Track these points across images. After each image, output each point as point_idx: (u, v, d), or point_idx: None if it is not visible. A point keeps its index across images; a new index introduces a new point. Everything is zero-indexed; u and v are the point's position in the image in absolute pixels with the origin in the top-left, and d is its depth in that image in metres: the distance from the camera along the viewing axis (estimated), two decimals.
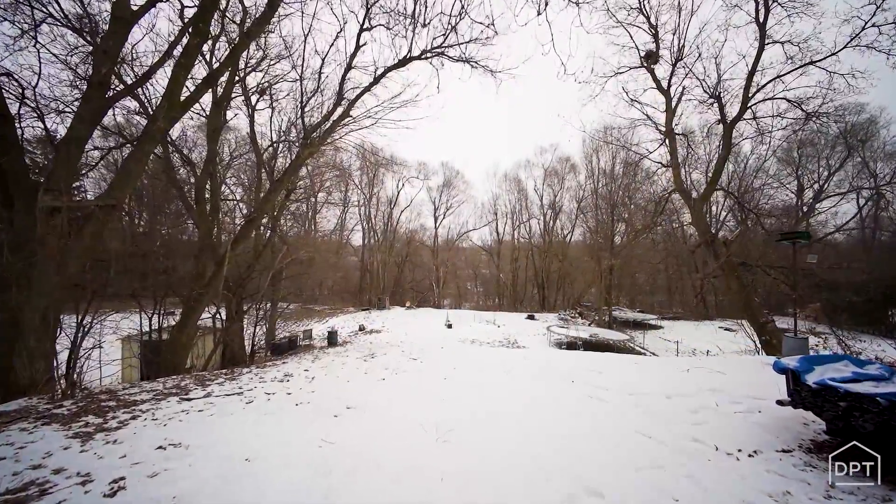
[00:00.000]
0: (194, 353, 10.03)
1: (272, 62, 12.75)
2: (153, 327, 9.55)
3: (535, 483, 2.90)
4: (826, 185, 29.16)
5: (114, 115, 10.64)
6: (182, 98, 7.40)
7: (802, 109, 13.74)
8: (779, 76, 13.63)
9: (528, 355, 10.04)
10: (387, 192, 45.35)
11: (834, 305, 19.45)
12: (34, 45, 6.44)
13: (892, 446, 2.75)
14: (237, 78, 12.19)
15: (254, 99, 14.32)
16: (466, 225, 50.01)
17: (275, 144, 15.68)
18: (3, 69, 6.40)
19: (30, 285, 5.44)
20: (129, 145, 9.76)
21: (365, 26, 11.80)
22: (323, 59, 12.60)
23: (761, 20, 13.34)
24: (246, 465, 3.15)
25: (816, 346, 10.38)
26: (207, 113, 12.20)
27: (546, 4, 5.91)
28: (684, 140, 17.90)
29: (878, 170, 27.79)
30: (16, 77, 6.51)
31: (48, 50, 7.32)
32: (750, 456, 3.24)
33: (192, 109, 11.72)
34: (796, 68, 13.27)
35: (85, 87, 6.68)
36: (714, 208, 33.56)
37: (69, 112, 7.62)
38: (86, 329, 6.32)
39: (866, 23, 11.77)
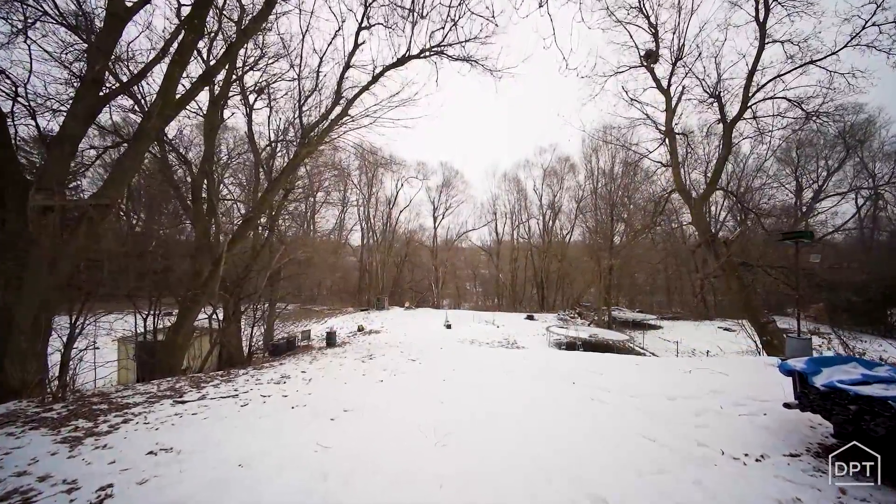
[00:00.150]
0: (191, 354, 9.92)
1: (270, 61, 12.67)
2: (149, 328, 9.44)
3: (536, 487, 2.82)
4: (825, 186, 29.17)
5: (110, 114, 10.53)
6: (178, 96, 7.32)
7: (802, 109, 13.70)
8: (779, 75, 13.59)
9: (528, 356, 9.96)
10: (386, 191, 45.27)
11: (834, 305, 19.43)
12: (25, 41, 6.33)
13: None
14: (234, 77, 12.11)
15: (252, 98, 14.25)
16: (465, 225, 49.95)
17: (273, 144, 15.59)
18: None
19: (21, 285, 5.34)
20: (125, 144, 9.66)
21: (363, 25, 11.72)
22: (321, 58, 12.53)
23: (761, 19, 13.29)
24: (239, 470, 3.06)
25: (819, 346, 10.32)
26: (205, 112, 12.12)
27: None
28: (684, 140, 17.86)
29: (877, 170, 27.82)
30: (8, 74, 6.41)
31: (40, 47, 7.20)
32: (757, 460, 3.16)
33: (189, 108, 11.64)
34: (796, 67, 13.23)
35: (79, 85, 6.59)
36: (713, 208, 33.56)
37: (64, 110, 7.51)
38: (79, 330, 6.21)
39: (866, 22, 11.73)
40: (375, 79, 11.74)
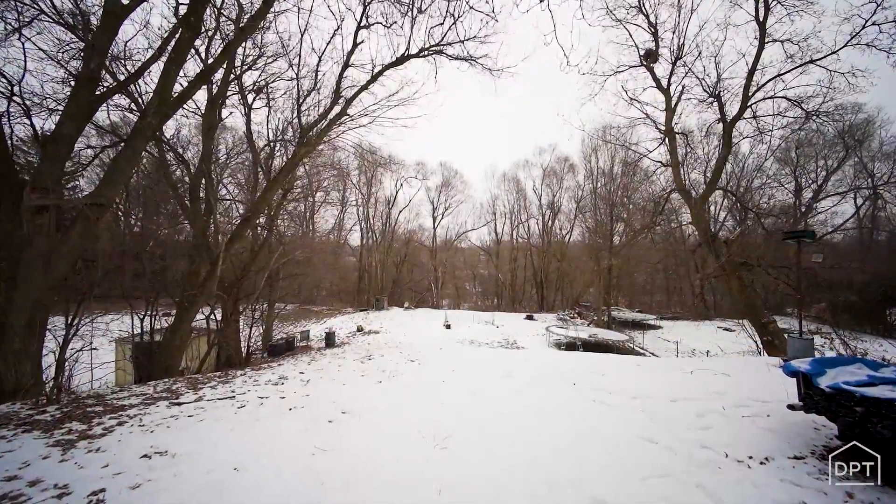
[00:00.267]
0: (189, 355, 9.85)
1: (269, 60, 12.62)
2: (146, 329, 9.37)
3: (537, 492, 2.77)
4: (824, 185, 29.18)
5: (108, 113, 10.46)
6: (175, 94, 7.25)
7: (802, 108, 13.66)
8: (779, 75, 13.54)
9: (528, 356, 9.92)
10: (385, 192, 45.16)
11: (834, 305, 19.42)
12: (19, 39, 6.26)
13: None
14: (233, 76, 12.05)
15: (250, 97, 14.19)
16: (465, 225, 49.82)
17: (271, 143, 15.53)
18: None
19: (15, 286, 5.28)
20: (123, 144, 9.59)
21: (362, 24, 11.67)
22: (320, 57, 12.48)
23: (761, 18, 13.25)
24: (234, 474, 3.00)
25: (822, 347, 10.27)
26: (203, 111, 12.05)
27: None
28: (684, 139, 17.82)
29: (876, 170, 27.82)
30: (2, 73, 6.35)
31: (36, 45, 7.14)
32: (762, 463, 3.10)
33: (187, 108, 11.58)
34: (796, 67, 13.19)
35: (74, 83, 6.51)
36: (712, 209, 33.54)
37: (60, 110, 7.44)
38: (74, 331, 6.14)
39: (866, 21, 11.70)
40: (374, 78, 11.69)
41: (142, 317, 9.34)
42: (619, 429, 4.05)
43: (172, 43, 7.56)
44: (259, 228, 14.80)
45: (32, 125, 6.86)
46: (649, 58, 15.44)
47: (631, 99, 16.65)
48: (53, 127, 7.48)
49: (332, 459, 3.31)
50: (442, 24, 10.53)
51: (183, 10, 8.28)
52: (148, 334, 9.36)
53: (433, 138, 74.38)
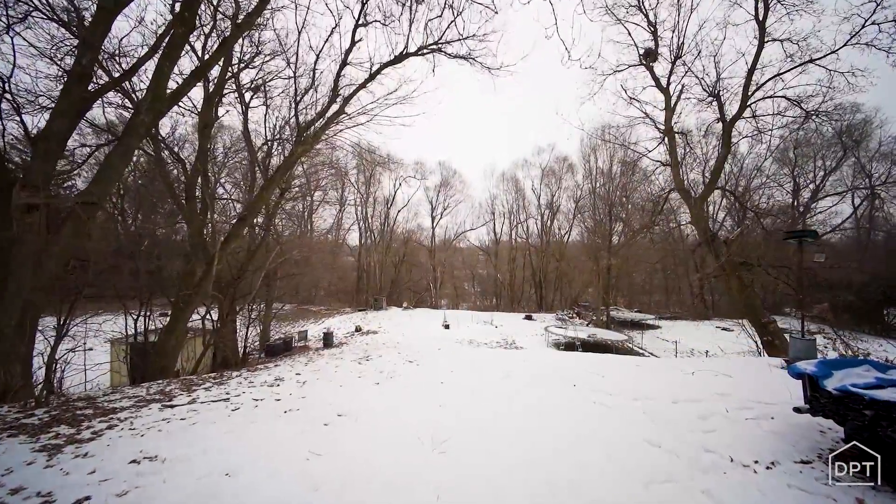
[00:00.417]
0: (184, 355, 9.74)
1: (266, 59, 12.52)
2: (140, 330, 9.25)
3: (538, 496, 2.69)
4: (822, 185, 29.21)
5: (104, 111, 10.34)
6: (170, 91, 7.15)
7: (802, 108, 13.62)
8: (778, 74, 13.50)
9: (527, 357, 9.83)
10: (383, 191, 45.07)
11: (834, 306, 19.42)
12: (8, 33, 6.14)
13: None
14: (230, 74, 11.93)
15: (247, 96, 14.09)
16: (464, 225, 49.76)
17: (269, 142, 15.41)
18: None
19: (4, 286, 5.16)
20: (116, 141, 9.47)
21: (361, 22, 11.57)
22: (317, 56, 12.37)
23: (761, 18, 13.21)
24: (226, 480, 2.91)
25: (824, 347, 10.22)
26: (199, 109, 11.93)
27: None
28: (683, 139, 17.78)
29: (874, 170, 27.86)
30: None
31: (27, 41, 7.00)
32: (768, 468, 3.03)
33: (183, 106, 11.47)
34: (796, 66, 13.15)
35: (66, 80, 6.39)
36: (711, 208, 33.53)
37: (53, 107, 7.32)
38: (65, 332, 6.03)
39: (866, 20, 11.66)
40: (373, 76, 11.60)
41: (136, 317, 9.22)
42: (620, 430, 3.97)
43: (167, 39, 7.46)
44: (256, 228, 14.70)
45: (23, 122, 6.74)
46: (649, 57, 15.38)
47: (630, 98, 16.60)
48: (43, 124, 7.38)
49: (329, 462, 3.22)
50: (441, 16, 10.43)
51: (177, 6, 8.18)
52: (143, 335, 9.24)
53: (432, 137, 74.29)
